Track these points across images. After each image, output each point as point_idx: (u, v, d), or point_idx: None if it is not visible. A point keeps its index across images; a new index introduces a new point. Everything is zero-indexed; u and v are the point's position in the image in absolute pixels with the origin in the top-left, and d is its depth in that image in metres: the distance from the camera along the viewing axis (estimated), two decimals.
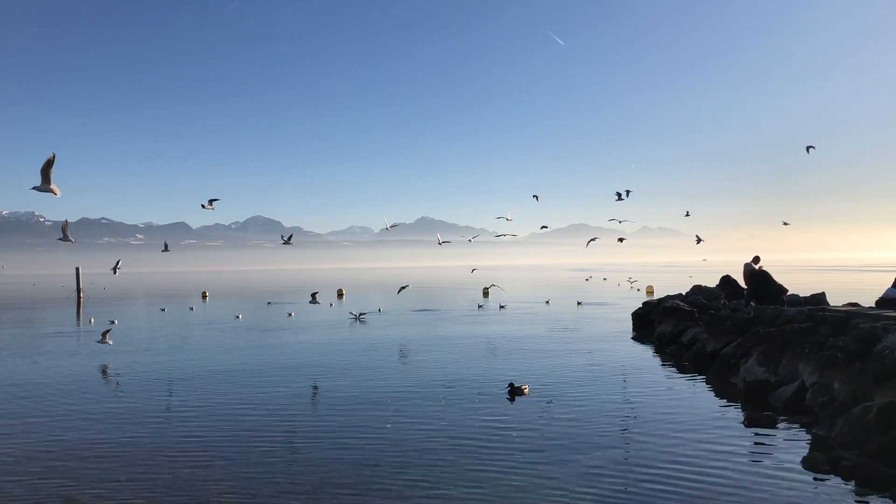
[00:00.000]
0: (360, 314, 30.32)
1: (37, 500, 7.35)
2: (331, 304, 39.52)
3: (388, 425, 10.19)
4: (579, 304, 36.22)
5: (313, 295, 23.64)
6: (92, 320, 31.34)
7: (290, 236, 20.25)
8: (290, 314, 32.55)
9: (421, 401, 11.95)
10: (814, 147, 23.94)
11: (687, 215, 30.79)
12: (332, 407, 11.65)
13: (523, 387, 12.32)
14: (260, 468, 8.23)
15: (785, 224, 24.12)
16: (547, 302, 38.06)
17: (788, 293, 18.31)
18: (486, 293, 48.53)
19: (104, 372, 16.00)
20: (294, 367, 16.10)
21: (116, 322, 29.43)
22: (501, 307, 34.65)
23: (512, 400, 11.71)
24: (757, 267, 18.55)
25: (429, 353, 18.08)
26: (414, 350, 18.90)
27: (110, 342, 18.02)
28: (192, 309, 38.75)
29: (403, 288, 30.34)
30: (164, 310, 38.32)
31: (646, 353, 17.71)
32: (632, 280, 59.77)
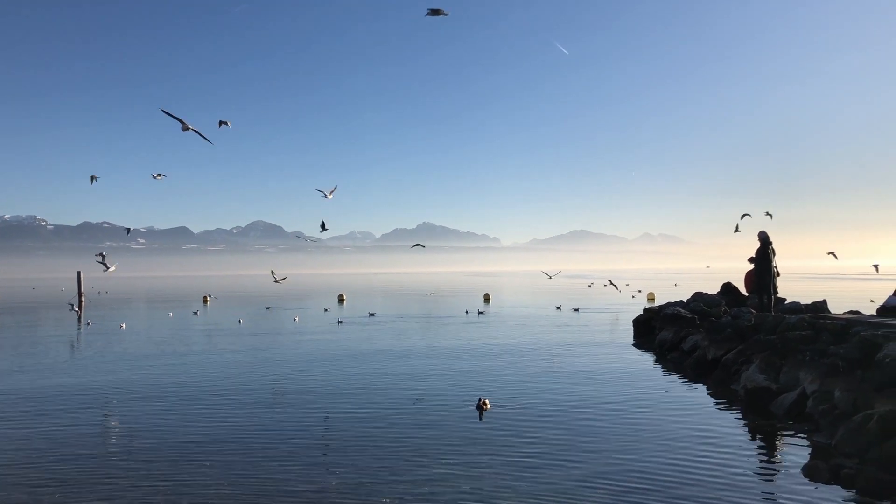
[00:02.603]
0: (339, 320, 31.16)
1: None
2: (325, 310, 39.51)
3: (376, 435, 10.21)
4: (576, 310, 36.22)
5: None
6: (89, 322, 31.50)
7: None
8: (295, 319, 32.85)
9: (388, 415, 11.64)
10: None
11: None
12: (291, 421, 11.54)
13: (484, 401, 11.59)
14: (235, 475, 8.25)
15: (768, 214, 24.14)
16: (558, 307, 38.14)
17: (786, 301, 18.26)
18: (487, 299, 48.53)
19: (110, 378, 16.00)
20: (264, 377, 16.12)
21: (125, 326, 29.64)
22: (480, 313, 34.71)
23: (480, 417, 11.04)
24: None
25: (408, 361, 17.84)
26: (394, 357, 18.58)
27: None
28: (196, 314, 38.79)
29: None
30: (171, 314, 38.54)
31: (647, 361, 17.69)
32: (637, 292, 58.15)
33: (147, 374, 16.10)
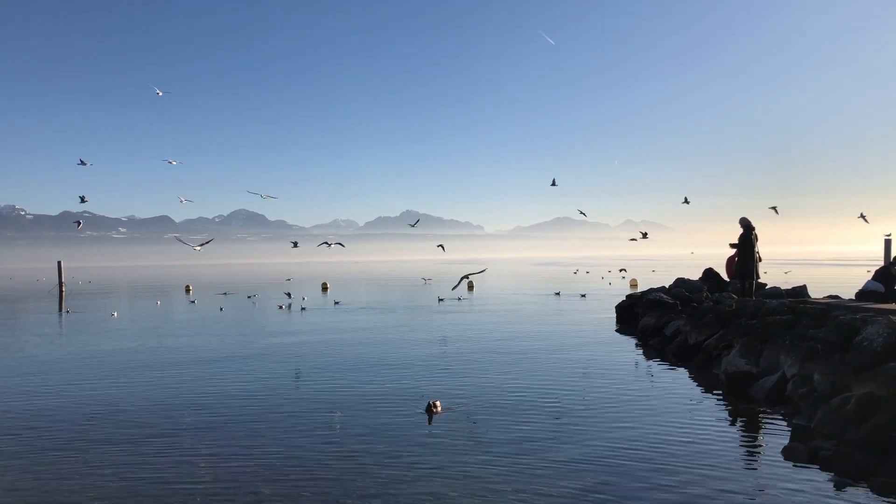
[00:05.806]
0: (302, 307, 31.86)
1: (17, 496, 7.31)
2: (303, 298, 39.24)
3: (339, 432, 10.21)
4: (583, 296, 36.40)
5: None
6: (68, 310, 31.31)
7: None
8: (280, 307, 32.76)
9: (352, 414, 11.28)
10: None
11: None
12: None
13: (435, 402, 10.55)
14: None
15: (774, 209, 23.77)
16: (557, 294, 38.44)
17: (767, 286, 18.44)
18: (470, 287, 48.55)
19: (94, 363, 15.88)
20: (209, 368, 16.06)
21: (116, 314, 29.59)
22: (440, 300, 34.57)
23: (429, 421, 10.00)
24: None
25: (365, 352, 17.41)
26: (356, 351, 17.77)
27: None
28: (193, 302, 38.37)
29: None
30: (158, 303, 38.52)
31: (629, 346, 17.81)
32: (620, 271, 61.42)
33: (121, 364, 16.01)
